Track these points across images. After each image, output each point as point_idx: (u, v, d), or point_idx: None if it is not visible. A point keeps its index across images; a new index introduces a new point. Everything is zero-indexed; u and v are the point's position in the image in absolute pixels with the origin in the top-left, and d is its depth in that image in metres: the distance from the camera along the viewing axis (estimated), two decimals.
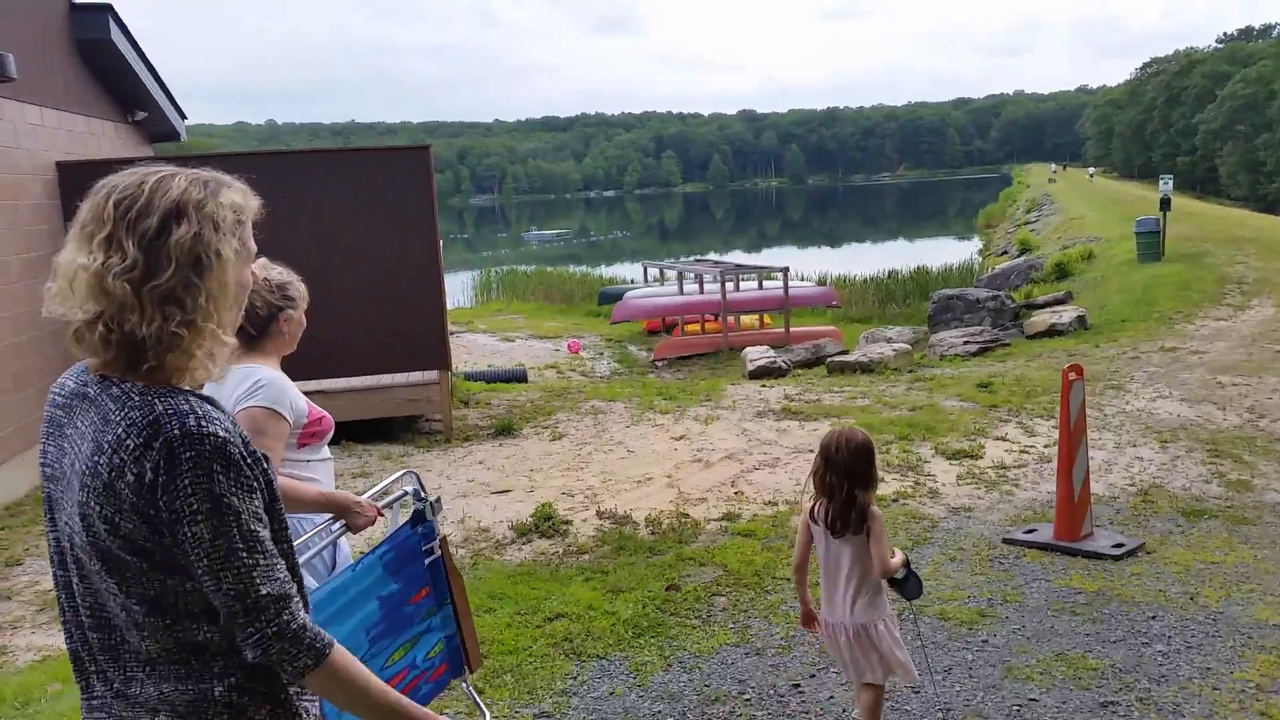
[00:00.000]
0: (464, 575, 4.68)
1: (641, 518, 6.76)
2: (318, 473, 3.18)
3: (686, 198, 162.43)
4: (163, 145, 12.25)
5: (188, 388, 1.68)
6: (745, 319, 19.76)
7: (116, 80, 10.44)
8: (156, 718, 1.67)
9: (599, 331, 21.12)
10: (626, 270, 35.75)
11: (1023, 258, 28.04)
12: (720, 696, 4.20)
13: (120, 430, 1.59)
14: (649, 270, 26.57)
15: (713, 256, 30.96)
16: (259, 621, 1.62)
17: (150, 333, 1.61)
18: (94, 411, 1.64)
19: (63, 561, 1.72)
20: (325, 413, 3.21)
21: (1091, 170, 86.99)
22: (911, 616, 4.76)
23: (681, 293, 21.23)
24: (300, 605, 1.68)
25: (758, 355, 14.74)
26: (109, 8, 9.78)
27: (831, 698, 4.16)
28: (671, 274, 23.54)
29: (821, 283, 25.78)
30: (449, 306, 26.32)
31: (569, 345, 18.89)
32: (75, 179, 8.44)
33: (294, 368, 3.23)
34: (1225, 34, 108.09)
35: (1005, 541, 6.07)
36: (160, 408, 1.60)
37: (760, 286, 21.06)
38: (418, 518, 3.09)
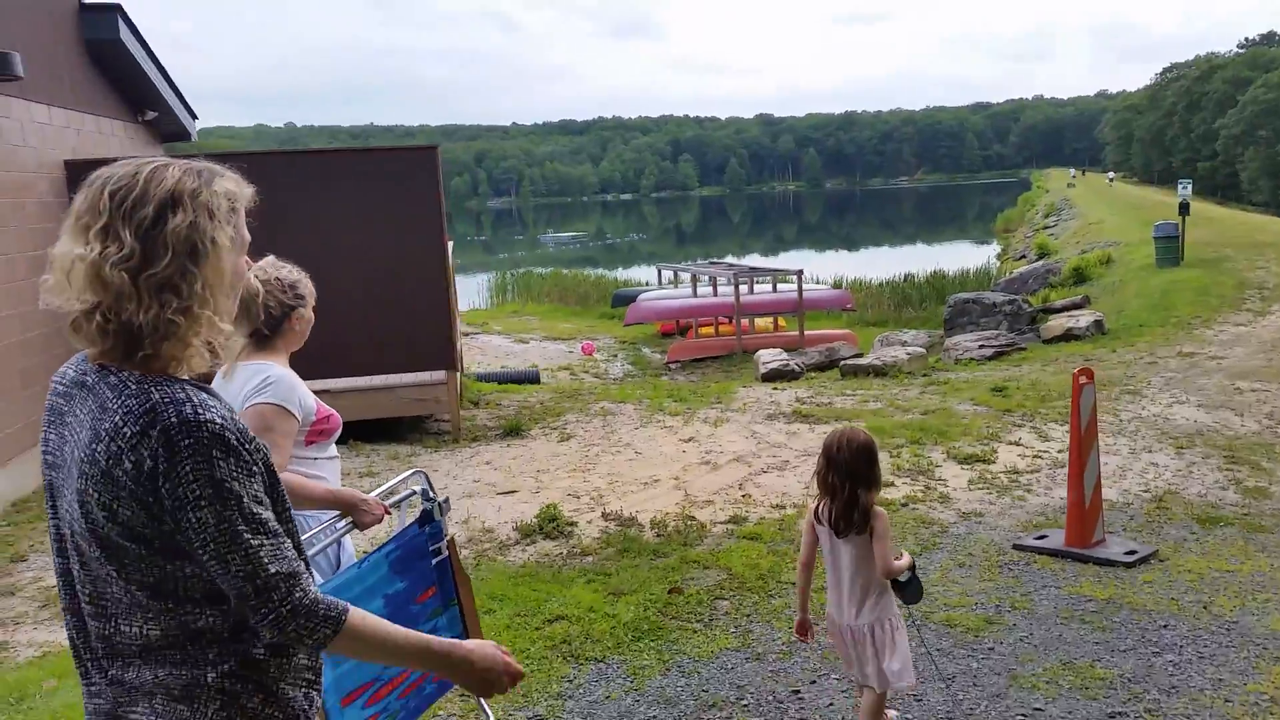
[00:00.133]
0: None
1: (647, 520, 6.69)
2: (325, 470, 3.19)
3: (703, 201, 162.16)
4: (173, 145, 12.27)
5: (185, 376, 1.69)
6: (759, 322, 19.68)
7: (126, 80, 10.46)
8: (153, 700, 1.68)
9: (613, 334, 21.09)
10: (642, 273, 35.70)
11: (1041, 262, 27.84)
12: (718, 702, 4.12)
13: (117, 418, 1.60)
14: (663, 272, 26.51)
15: (729, 259, 30.88)
16: (272, 601, 1.64)
17: (147, 320, 1.62)
18: (92, 400, 1.66)
19: (62, 549, 1.73)
20: (333, 411, 3.23)
21: (1111, 175, 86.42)
22: (916, 623, 4.67)
23: (695, 295, 21.17)
24: (310, 580, 1.69)
25: (770, 358, 14.66)
26: (118, 8, 9.79)
27: (831, 704, 4.08)
28: (685, 276, 23.46)
29: (837, 286, 25.64)
30: (464, 308, 26.57)
31: (583, 347, 18.86)
32: (83, 177, 8.41)
33: (301, 366, 3.22)
34: (1247, 39, 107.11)
35: (1015, 548, 5.97)
36: (156, 396, 1.61)
37: (774, 289, 20.97)
38: (425, 518, 3.10)
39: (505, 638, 4.71)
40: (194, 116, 12.15)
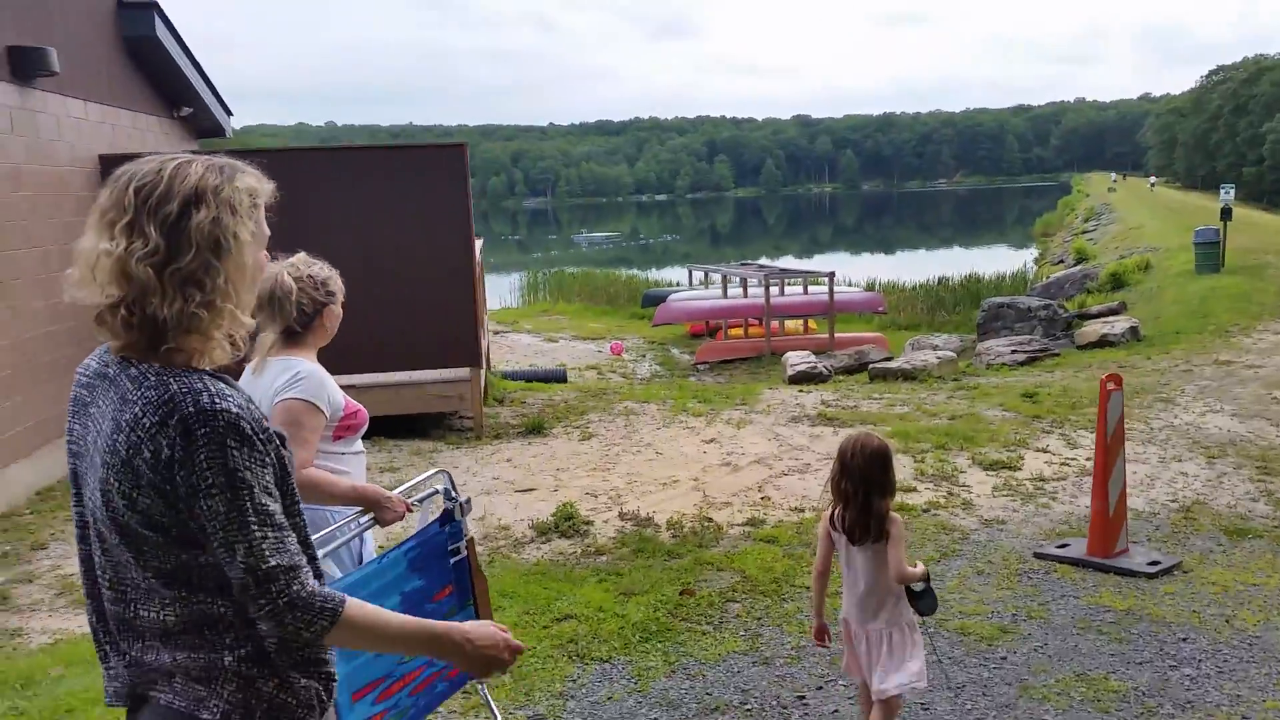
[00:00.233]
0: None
1: (663, 520, 6.65)
2: (350, 465, 3.22)
3: (738, 202, 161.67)
4: (208, 141, 12.40)
5: (206, 368, 1.74)
6: (789, 324, 19.57)
7: (162, 76, 10.58)
8: (171, 681, 1.73)
9: (642, 334, 21.07)
10: (675, 274, 35.63)
11: (1078, 267, 27.46)
12: (721, 706, 4.08)
13: (137, 409, 1.65)
14: (694, 273, 26.44)
15: (763, 261, 30.74)
16: (270, 593, 1.66)
17: (171, 314, 1.66)
18: (114, 391, 1.70)
19: (85, 535, 1.78)
20: (361, 406, 3.27)
21: (1153, 179, 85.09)
22: (929, 630, 4.60)
23: (725, 296, 21.07)
24: (309, 574, 1.72)
25: (798, 360, 14.55)
26: (155, 5, 9.91)
27: (836, 711, 4.03)
28: (716, 277, 23.37)
29: (870, 288, 25.45)
30: (496, 306, 26.66)
31: (611, 347, 18.85)
32: None
33: (327, 361, 3.26)
34: None
35: (1036, 556, 5.87)
36: (175, 386, 1.66)
37: (805, 291, 20.83)
38: (447, 517, 3.13)
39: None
40: (229, 113, 12.27)
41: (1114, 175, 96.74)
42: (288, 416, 3.00)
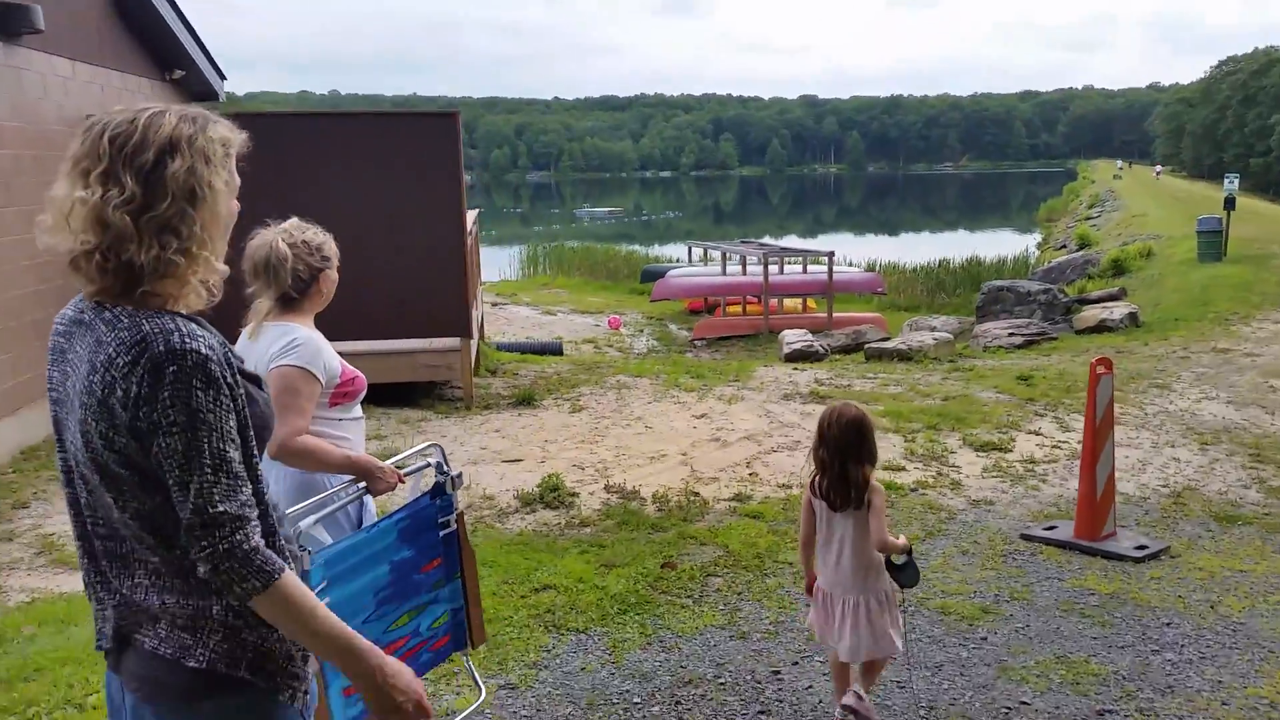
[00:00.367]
0: None
1: (649, 494, 6.60)
2: (349, 431, 3.21)
3: (743, 181, 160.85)
4: (201, 105, 12.25)
5: (181, 311, 1.76)
6: (788, 302, 19.49)
7: (153, 38, 10.44)
8: (157, 625, 1.75)
9: (641, 309, 20.99)
10: (677, 251, 35.46)
11: (1080, 253, 27.34)
12: (694, 679, 4.03)
13: (111, 349, 1.67)
14: (694, 250, 26.31)
15: (766, 240, 30.58)
16: (212, 537, 1.66)
17: (148, 260, 1.69)
18: (90, 335, 1.72)
19: (70, 480, 1.80)
20: (358, 372, 3.26)
21: (1159, 168, 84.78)
22: (910, 608, 4.56)
23: (725, 273, 20.97)
24: (257, 530, 1.71)
25: (795, 338, 14.50)
26: None
27: (810, 687, 3.98)
28: (716, 254, 23.25)
29: (870, 269, 25.33)
30: (496, 279, 26.49)
31: (609, 321, 18.79)
32: None
33: (318, 328, 3.22)
34: None
35: (1023, 537, 5.82)
36: (147, 327, 1.67)
37: (804, 270, 20.73)
38: (438, 490, 3.15)
39: (489, 604, 4.64)
40: (223, 77, 12.13)
41: (1120, 163, 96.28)
42: (283, 383, 2.98)
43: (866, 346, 13.93)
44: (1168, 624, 4.59)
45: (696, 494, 6.61)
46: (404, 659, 3.05)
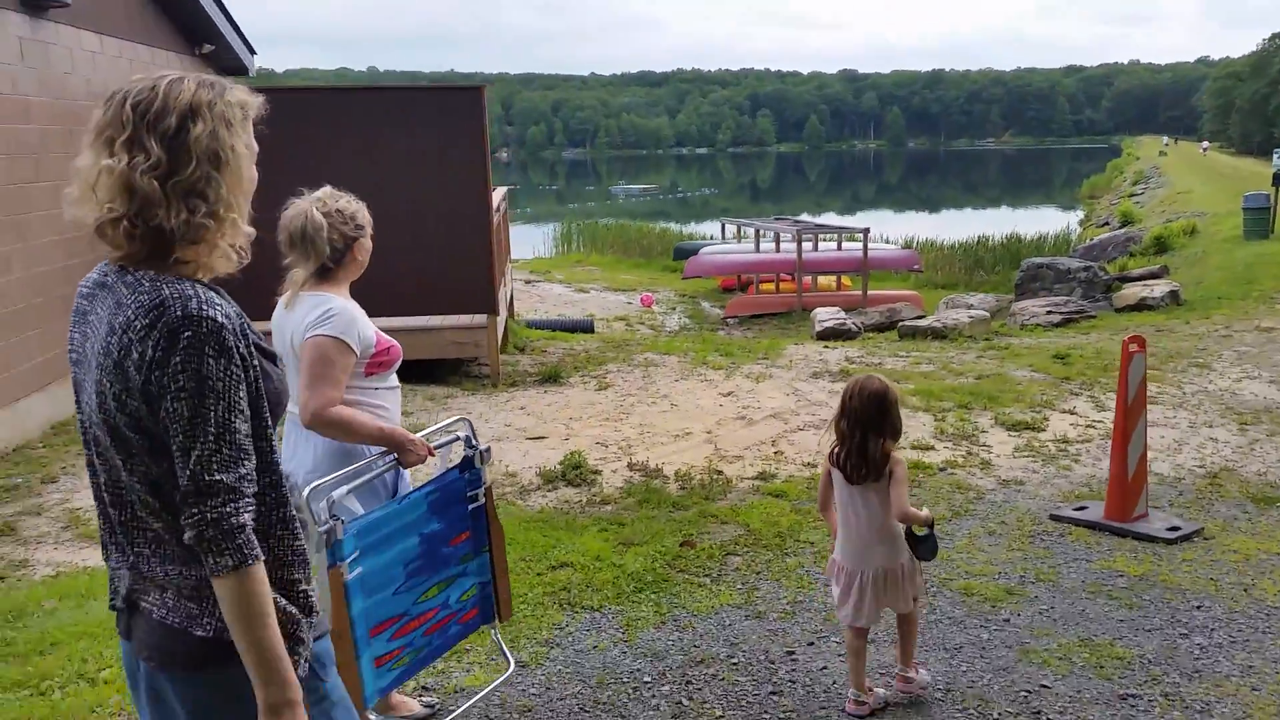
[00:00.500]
0: None
1: (672, 472, 6.55)
2: (386, 400, 3.23)
3: (780, 157, 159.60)
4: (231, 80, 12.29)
5: (206, 279, 1.80)
6: (822, 280, 19.28)
7: (182, 12, 10.47)
8: (164, 594, 1.79)
9: (674, 286, 20.87)
10: (712, 228, 35.23)
11: (1123, 230, 26.84)
12: (707, 659, 3.98)
13: (130, 312, 1.69)
14: (727, 227, 26.11)
15: (804, 217, 30.27)
16: (203, 505, 1.66)
17: (178, 225, 1.72)
18: (111, 298, 1.75)
19: (86, 441, 1.84)
20: (394, 342, 3.27)
21: (1205, 144, 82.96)
22: (933, 589, 4.47)
23: (758, 250, 20.79)
24: (249, 507, 1.71)
25: (827, 316, 14.34)
26: None
27: (825, 668, 3.91)
28: (749, 231, 23.05)
29: (907, 246, 25.00)
30: (529, 256, 26.46)
31: (642, 299, 18.70)
32: None
33: None
34: None
35: (1052, 518, 5.70)
36: (166, 292, 1.70)
37: (839, 247, 20.50)
38: (466, 464, 3.19)
39: None
40: (252, 51, 12.15)
41: (1165, 139, 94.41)
42: (317, 353, 3.01)
43: (900, 324, 13.75)
44: (1198, 607, 4.47)
45: (720, 472, 6.55)
46: (433, 630, 3.14)
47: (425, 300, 9.07)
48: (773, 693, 3.74)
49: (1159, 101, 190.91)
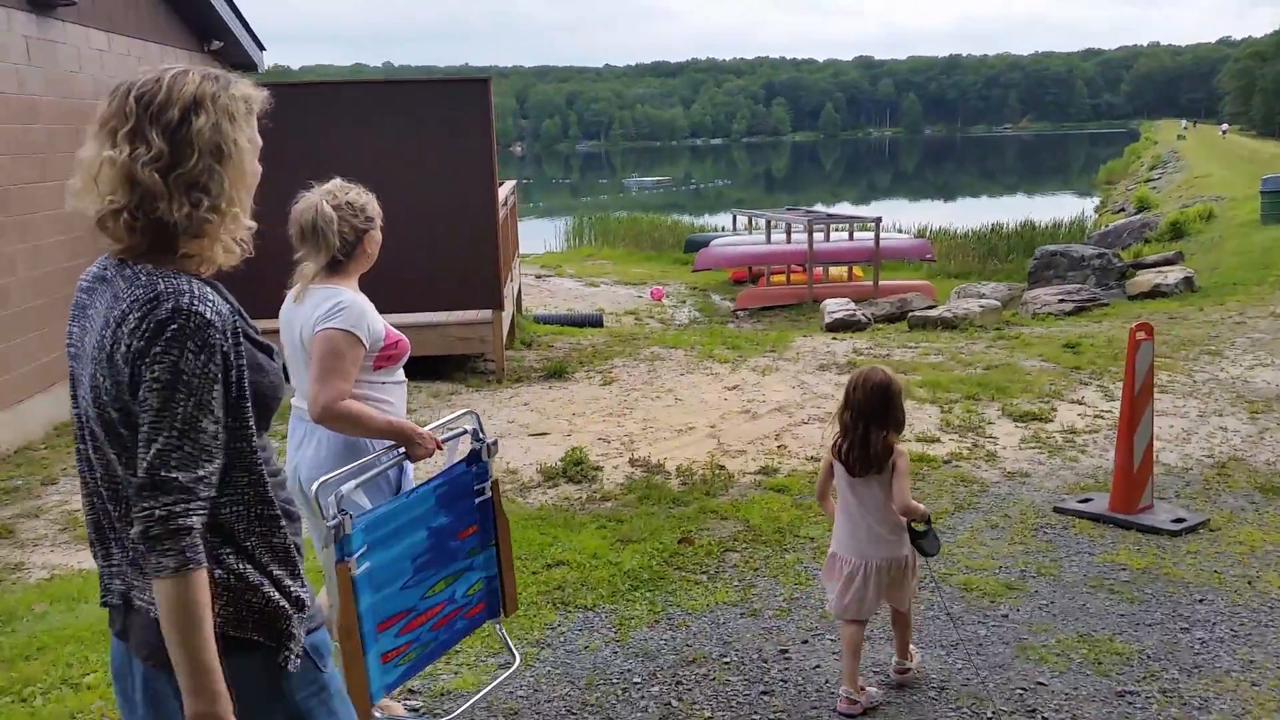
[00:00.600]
0: None
1: (674, 468, 6.51)
2: (392, 395, 3.24)
3: (795, 147, 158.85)
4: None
5: (207, 273, 1.80)
6: (834, 271, 19.16)
7: (191, 8, 10.47)
8: None
9: (685, 279, 20.80)
10: (725, 220, 35.14)
11: (1138, 216, 26.59)
12: (699, 658, 3.94)
13: (125, 305, 1.69)
14: (738, 218, 25.99)
15: (819, 207, 30.09)
16: (154, 500, 1.64)
17: (180, 218, 1.72)
18: (109, 291, 1.75)
19: (82, 435, 1.82)
20: (402, 336, 3.28)
21: (1224, 127, 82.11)
22: (933, 584, 4.42)
23: (769, 242, 20.68)
24: (201, 510, 1.68)
25: (836, 307, 14.26)
26: None
27: (818, 667, 3.87)
28: (760, 222, 22.94)
29: (920, 235, 24.82)
30: (541, 250, 26.38)
31: (652, 292, 18.64)
32: None
33: None
34: None
35: (1056, 510, 5.64)
36: (162, 285, 1.69)
37: (850, 237, 20.37)
38: (473, 457, 3.19)
39: None
40: (261, 48, 12.15)
41: (1184, 123, 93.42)
42: (328, 346, 3.01)
43: (910, 315, 13.67)
44: (1200, 600, 4.40)
45: (722, 467, 6.50)
46: (440, 625, 3.14)
47: (430, 295, 9.04)
48: (764, 692, 3.70)
49: (1179, 84, 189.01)
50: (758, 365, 9.50)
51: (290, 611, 1.82)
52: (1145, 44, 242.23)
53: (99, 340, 1.72)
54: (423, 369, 9.10)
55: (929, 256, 20.65)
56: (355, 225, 3.16)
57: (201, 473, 1.68)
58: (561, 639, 4.12)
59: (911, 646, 3.83)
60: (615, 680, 3.80)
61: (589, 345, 10.79)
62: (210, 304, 1.71)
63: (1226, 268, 15.56)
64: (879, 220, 19.08)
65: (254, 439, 1.80)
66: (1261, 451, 6.66)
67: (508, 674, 3.47)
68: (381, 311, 3.27)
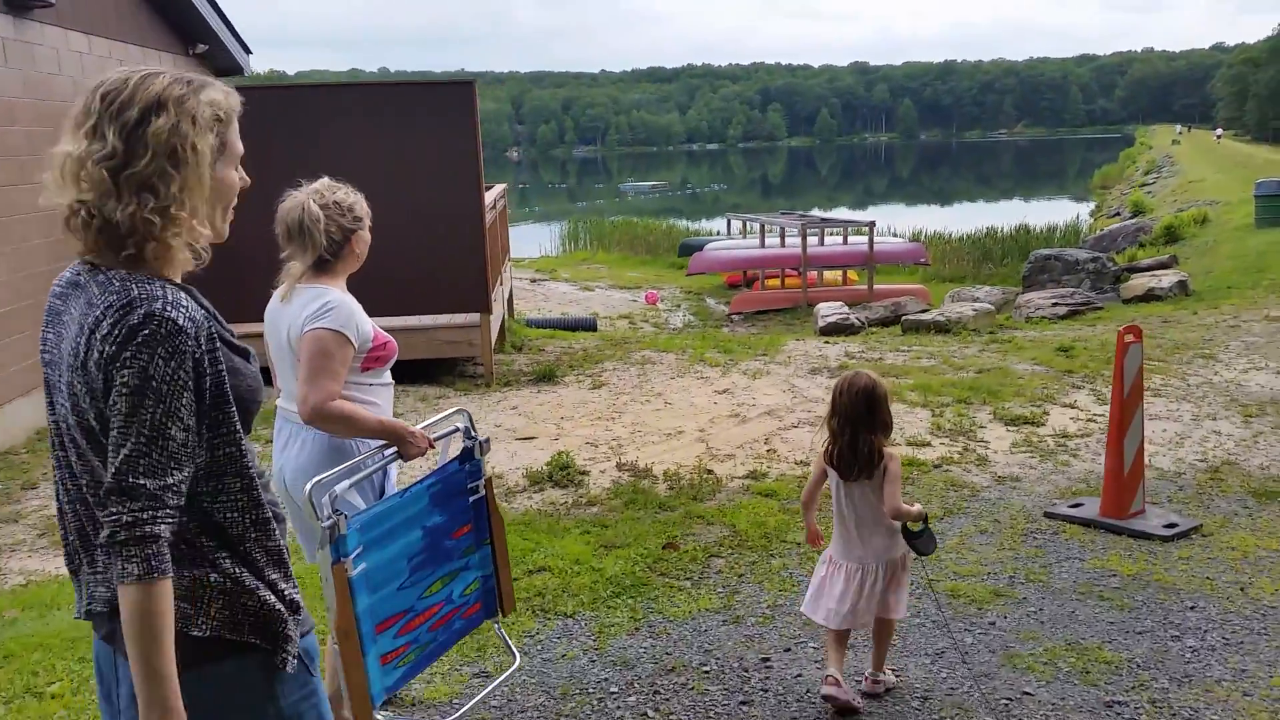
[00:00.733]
0: None
1: (661, 472, 6.43)
2: (379, 397, 3.21)
3: (791, 152, 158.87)
4: (225, 80, 12.24)
5: (174, 277, 1.76)
6: (828, 274, 19.11)
7: (175, 11, 10.39)
8: None
9: (680, 283, 20.76)
10: (720, 224, 35.09)
11: (1133, 220, 26.56)
12: (678, 667, 3.86)
13: (98, 312, 1.67)
14: (733, 222, 25.95)
15: (815, 212, 30.06)
16: (121, 505, 1.62)
17: (125, 218, 1.68)
18: (82, 297, 1.72)
19: (60, 443, 1.79)
20: (390, 338, 3.25)
21: (1219, 131, 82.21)
22: (918, 591, 4.35)
23: (763, 246, 20.63)
24: (169, 519, 1.65)
25: (830, 311, 14.20)
26: None
27: (799, 675, 3.78)
28: (755, 226, 22.89)
29: (915, 239, 24.77)
30: (535, 254, 26.32)
31: (646, 296, 18.58)
32: None
33: None
34: None
35: (1046, 515, 5.57)
36: (136, 291, 1.67)
37: (845, 241, 20.33)
38: (466, 455, 3.15)
39: None
40: (247, 51, 12.08)
41: (1179, 128, 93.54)
42: (317, 346, 2.98)
43: (904, 319, 13.60)
44: (1191, 608, 4.32)
45: (710, 472, 6.43)
46: (438, 626, 3.11)
47: (417, 299, 8.96)
48: (743, 702, 3.62)
49: (1173, 89, 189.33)
50: (748, 369, 9.43)
51: (286, 614, 1.81)
52: (1140, 50, 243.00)
53: (74, 347, 1.70)
54: (410, 373, 9.02)
55: (923, 260, 20.61)
56: (343, 225, 3.12)
57: (170, 480, 1.65)
58: (539, 647, 4.03)
59: (888, 667, 3.76)
60: (591, 690, 3.71)
61: (579, 349, 10.71)
62: (184, 310, 1.69)
63: (1221, 271, 15.52)
64: (873, 224, 19.03)
65: (243, 443, 1.78)
66: (1255, 456, 6.59)
67: (506, 674, 3.39)
68: (368, 315, 3.21)
